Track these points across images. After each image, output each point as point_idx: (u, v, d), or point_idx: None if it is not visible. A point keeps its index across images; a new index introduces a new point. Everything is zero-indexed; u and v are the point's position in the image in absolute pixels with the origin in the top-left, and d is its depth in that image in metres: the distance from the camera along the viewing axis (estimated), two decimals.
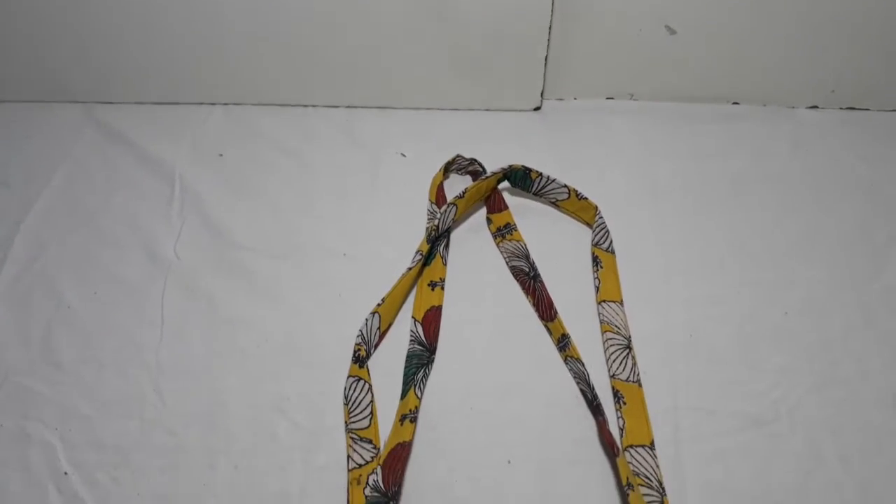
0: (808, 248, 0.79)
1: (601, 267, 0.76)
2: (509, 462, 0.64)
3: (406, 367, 0.69)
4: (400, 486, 0.61)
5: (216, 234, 0.80)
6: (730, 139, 0.91)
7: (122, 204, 0.83)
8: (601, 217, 0.79)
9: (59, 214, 0.82)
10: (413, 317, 0.73)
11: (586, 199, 0.80)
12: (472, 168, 0.86)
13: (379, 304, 0.71)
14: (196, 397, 0.67)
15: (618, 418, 0.66)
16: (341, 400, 0.67)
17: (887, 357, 0.70)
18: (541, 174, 0.81)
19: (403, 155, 0.88)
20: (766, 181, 0.85)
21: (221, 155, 0.88)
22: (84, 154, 0.89)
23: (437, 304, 0.74)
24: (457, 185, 0.84)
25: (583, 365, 0.68)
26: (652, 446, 0.64)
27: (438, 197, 0.82)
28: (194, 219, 0.81)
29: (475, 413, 0.67)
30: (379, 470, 0.60)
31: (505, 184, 0.83)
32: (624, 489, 0.60)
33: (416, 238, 0.78)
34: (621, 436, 0.65)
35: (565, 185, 0.80)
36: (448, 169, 0.85)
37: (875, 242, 0.80)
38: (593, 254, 0.77)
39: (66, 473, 0.63)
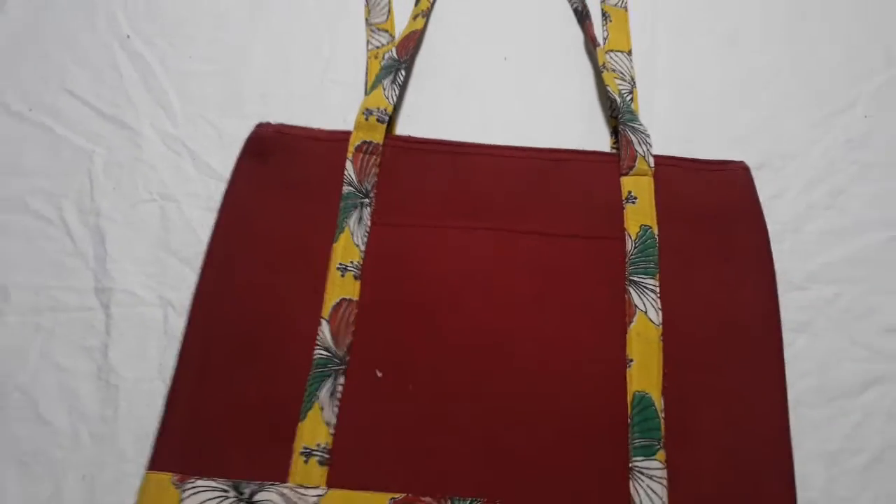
0: None
1: None
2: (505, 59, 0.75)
3: None
4: (411, 56, 0.72)
5: None
6: None
7: None
8: None
9: None
10: None
11: None
12: None
13: None
14: None
15: (603, 31, 0.76)
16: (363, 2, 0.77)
17: None
18: None
19: None
20: None
21: None
22: None
23: None
24: None
25: None
26: (629, 53, 0.75)
27: None
28: None
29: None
30: (394, 49, 0.71)
31: None
32: (599, 70, 0.71)
33: None
34: (604, 44, 0.75)
35: None
36: None
37: None
38: None
39: (128, 36, 0.74)
